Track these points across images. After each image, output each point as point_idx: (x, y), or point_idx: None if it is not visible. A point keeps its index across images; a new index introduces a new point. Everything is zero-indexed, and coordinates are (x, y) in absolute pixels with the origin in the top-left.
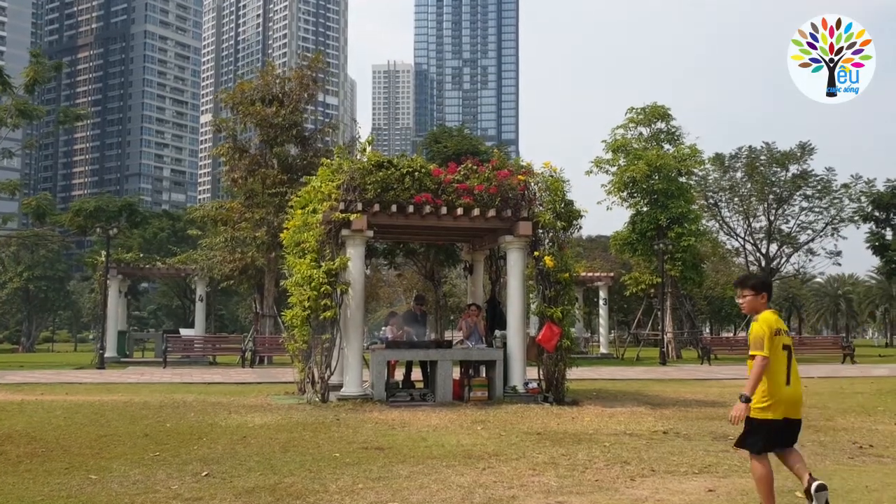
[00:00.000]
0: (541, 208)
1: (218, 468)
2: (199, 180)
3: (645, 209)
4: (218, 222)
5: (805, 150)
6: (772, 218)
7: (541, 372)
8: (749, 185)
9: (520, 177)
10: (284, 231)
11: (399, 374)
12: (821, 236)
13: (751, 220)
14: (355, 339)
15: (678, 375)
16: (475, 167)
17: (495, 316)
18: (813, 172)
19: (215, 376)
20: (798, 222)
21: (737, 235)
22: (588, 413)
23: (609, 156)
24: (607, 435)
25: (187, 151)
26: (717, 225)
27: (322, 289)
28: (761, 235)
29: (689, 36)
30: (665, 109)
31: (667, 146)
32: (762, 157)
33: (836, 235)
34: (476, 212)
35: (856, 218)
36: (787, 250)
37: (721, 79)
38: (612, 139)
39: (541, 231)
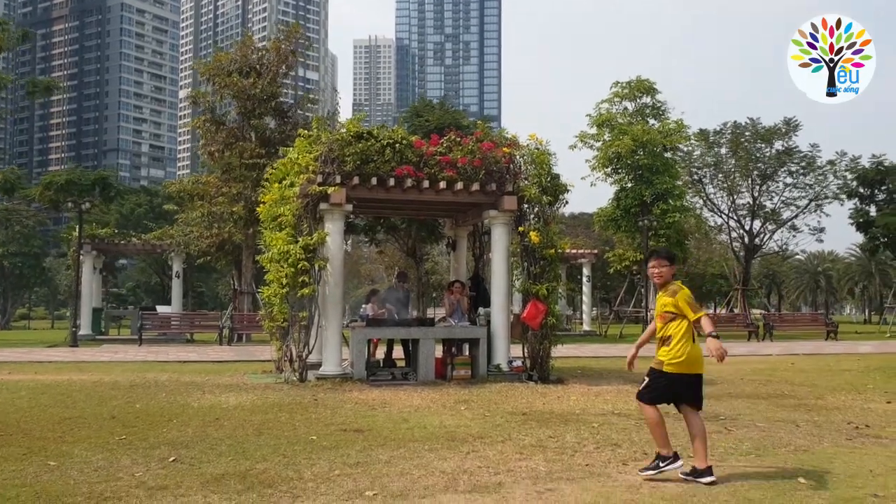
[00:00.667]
0: (526, 182)
1: (187, 453)
2: (179, 156)
3: (629, 185)
4: (194, 197)
5: (790, 126)
6: (756, 194)
7: (525, 350)
8: (733, 162)
9: (505, 149)
10: (261, 205)
11: (381, 353)
12: (804, 213)
13: (735, 196)
14: (334, 316)
15: None
16: (458, 139)
17: (479, 293)
18: (797, 149)
19: (191, 354)
20: (782, 199)
21: (720, 212)
22: (574, 392)
23: (594, 130)
24: (595, 415)
25: (166, 126)
26: (700, 201)
27: (299, 265)
28: (744, 212)
29: (675, 8)
30: (650, 84)
31: (652, 121)
32: (747, 133)
33: (819, 212)
34: (459, 185)
35: (840, 195)
36: (770, 227)
37: (705, 52)
38: (597, 114)
39: (526, 206)
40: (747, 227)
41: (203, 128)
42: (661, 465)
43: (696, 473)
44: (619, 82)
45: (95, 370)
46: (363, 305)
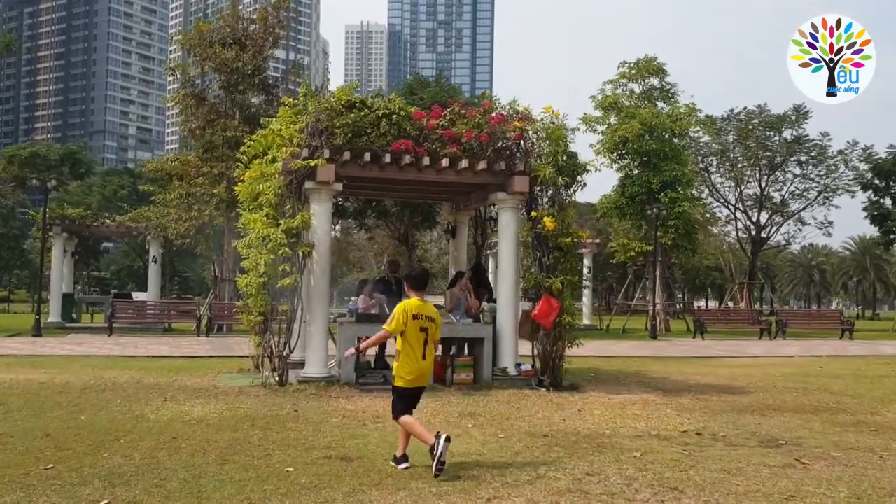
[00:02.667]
0: (539, 161)
1: (124, 494)
2: (167, 139)
3: (635, 171)
4: (173, 177)
5: (800, 113)
6: (763, 185)
7: (535, 351)
8: (738, 149)
9: (516, 123)
10: (239, 184)
11: (372, 351)
12: (812, 205)
13: (742, 186)
14: (320, 310)
15: (675, 352)
16: (463, 112)
17: (480, 286)
18: (807, 137)
19: (163, 348)
20: (791, 190)
21: (727, 202)
22: (594, 403)
23: (599, 113)
24: (630, 438)
25: (154, 109)
26: (706, 191)
27: (280, 251)
28: (750, 203)
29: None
30: (660, 65)
31: (660, 104)
32: (755, 121)
33: (828, 204)
34: (464, 163)
35: (852, 186)
36: (776, 219)
37: (705, 38)
38: (602, 96)
39: (538, 188)
40: (754, 219)
41: (183, 102)
42: None
43: None
44: (625, 62)
45: (51, 367)
46: (352, 298)
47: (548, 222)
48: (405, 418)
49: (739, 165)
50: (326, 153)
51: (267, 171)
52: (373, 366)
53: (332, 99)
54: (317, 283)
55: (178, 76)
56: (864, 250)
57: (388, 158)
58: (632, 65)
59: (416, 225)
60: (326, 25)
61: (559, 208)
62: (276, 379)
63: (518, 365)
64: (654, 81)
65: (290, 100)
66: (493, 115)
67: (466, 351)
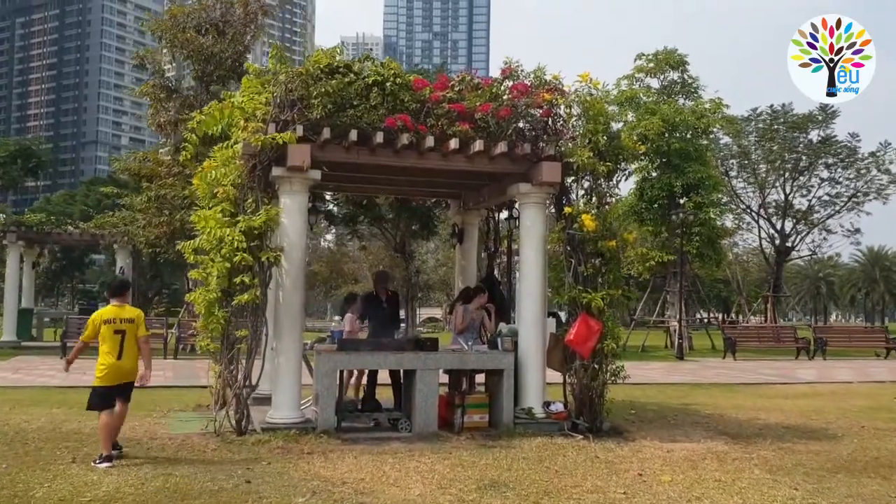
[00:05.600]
0: (574, 143)
1: None
2: (161, 150)
3: (654, 174)
4: (142, 178)
5: (827, 113)
6: (788, 190)
7: (568, 387)
8: (760, 152)
9: (544, 95)
10: (196, 177)
11: (357, 379)
12: (840, 212)
13: (765, 191)
14: (291, 335)
15: (712, 376)
16: (477, 81)
17: (493, 302)
18: (835, 138)
19: None
20: (819, 195)
21: (748, 209)
22: (652, 459)
23: (614, 109)
24: None
25: (147, 119)
26: (725, 197)
27: (237, 258)
28: (773, 210)
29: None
30: (681, 56)
31: (682, 100)
32: (779, 121)
33: (857, 210)
34: (478, 145)
35: (885, 191)
36: (800, 227)
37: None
38: (618, 91)
39: (571, 179)
40: (778, 227)
41: (151, 94)
42: None
43: None
44: (643, 54)
45: None
46: (334, 318)
47: (586, 220)
48: (102, 417)
49: (762, 169)
50: (300, 130)
51: (225, 156)
52: (361, 407)
53: (308, 63)
54: (287, 299)
55: (148, 66)
56: (874, 261)
57: (380, 138)
58: (650, 57)
59: (413, 233)
60: (322, 37)
61: (599, 203)
62: (232, 425)
63: (547, 404)
64: (675, 75)
65: (256, 66)
66: (516, 83)
67: (477, 383)
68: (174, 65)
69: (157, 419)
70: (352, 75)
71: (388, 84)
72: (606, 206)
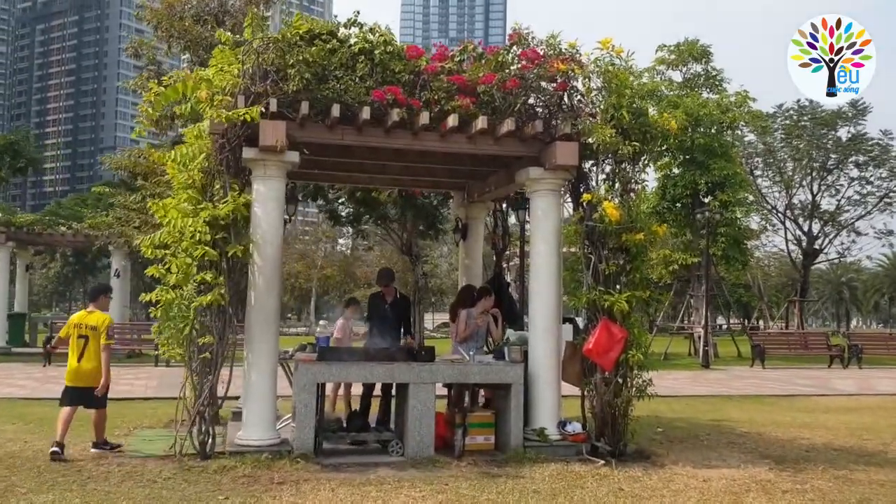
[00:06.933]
0: (594, 120)
1: None
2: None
3: (676, 171)
4: (137, 176)
5: (858, 109)
6: (815, 190)
7: (587, 403)
8: (786, 150)
9: (559, 65)
10: (169, 163)
11: (348, 394)
12: (871, 213)
13: (791, 191)
14: (265, 344)
15: (742, 387)
16: (481, 50)
17: (501, 306)
18: (867, 135)
19: None
20: (848, 195)
21: (774, 209)
22: (686, 489)
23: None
24: None
25: (140, 114)
26: (750, 196)
27: (198, 251)
28: (799, 211)
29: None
30: (704, 47)
31: (705, 93)
32: (806, 117)
33: (890, 211)
34: (480, 122)
35: None
36: (827, 229)
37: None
38: (637, 84)
39: (590, 163)
40: (805, 229)
41: (145, 88)
42: None
43: None
44: (664, 45)
45: None
46: (319, 321)
47: (609, 209)
48: (65, 410)
49: (788, 167)
50: (273, 105)
51: (191, 137)
52: (346, 424)
53: (285, 28)
54: (259, 301)
55: (142, 55)
56: None
57: (366, 114)
58: (671, 48)
59: (420, 233)
60: None
61: (623, 190)
62: (196, 446)
63: (562, 424)
64: (698, 67)
65: (229, 35)
66: (526, 50)
67: (480, 397)
68: (170, 55)
69: (118, 437)
70: (335, 41)
71: (376, 52)
72: (632, 194)
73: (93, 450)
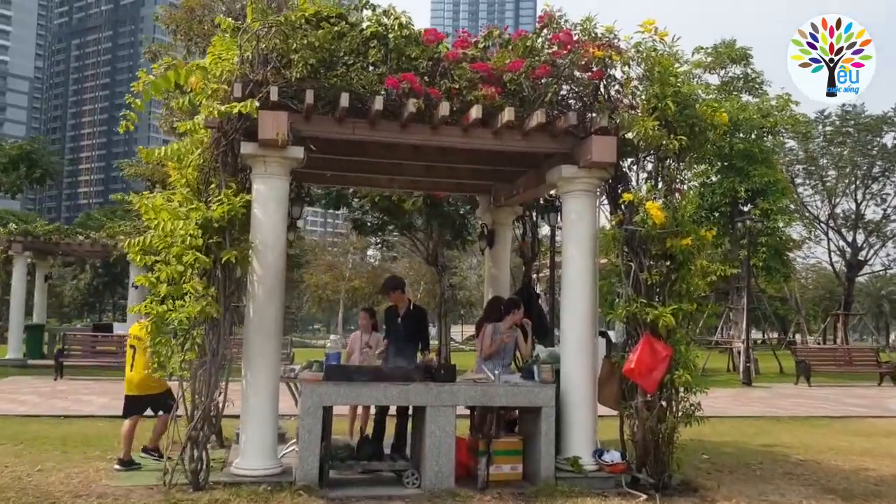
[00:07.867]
0: (634, 112)
1: None
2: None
3: (714, 178)
4: (156, 184)
5: None
6: (859, 199)
7: (627, 428)
8: (829, 157)
9: (595, 51)
10: (162, 152)
11: (367, 416)
12: None
13: (834, 200)
14: (262, 359)
15: (790, 407)
16: (507, 36)
17: (530, 319)
18: None
19: (101, 399)
20: (894, 205)
21: (816, 219)
22: None
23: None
24: None
25: (160, 121)
26: (791, 206)
27: (188, 257)
28: (842, 220)
29: None
30: (743, 49)
31: (745, 96)
32: (850, 123)
33: None
34: (507, 115)
35: None
36: (872, 240)
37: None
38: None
39: (630, 161)
40: (849, 239)
41: (163, 95)
42: None
43: None
44: (700, 48)
45: None
46: (330, 337)
47: (653, 210)
48: (126, 423)
49: (831, 175)
50: (274, 94)
51: (183, 131)
52: (357, 451)
53: (289, 10)
54: (258, 313)
55: (161, 61)
56: None
57: (379, 104)
58: (709, 50)
59: (446, 243)
60: None
61: (668, 190)
62: (187, 477)
63: (598, 453)
64: (737, 70)
65: (230, 21)
66: (557, 34)
67: (505, 422)
68: (185, 55)
69: (110, 461)
70: (344, 24)
71: (391, 36)
72: (677, 194)
73: (141, 454)
